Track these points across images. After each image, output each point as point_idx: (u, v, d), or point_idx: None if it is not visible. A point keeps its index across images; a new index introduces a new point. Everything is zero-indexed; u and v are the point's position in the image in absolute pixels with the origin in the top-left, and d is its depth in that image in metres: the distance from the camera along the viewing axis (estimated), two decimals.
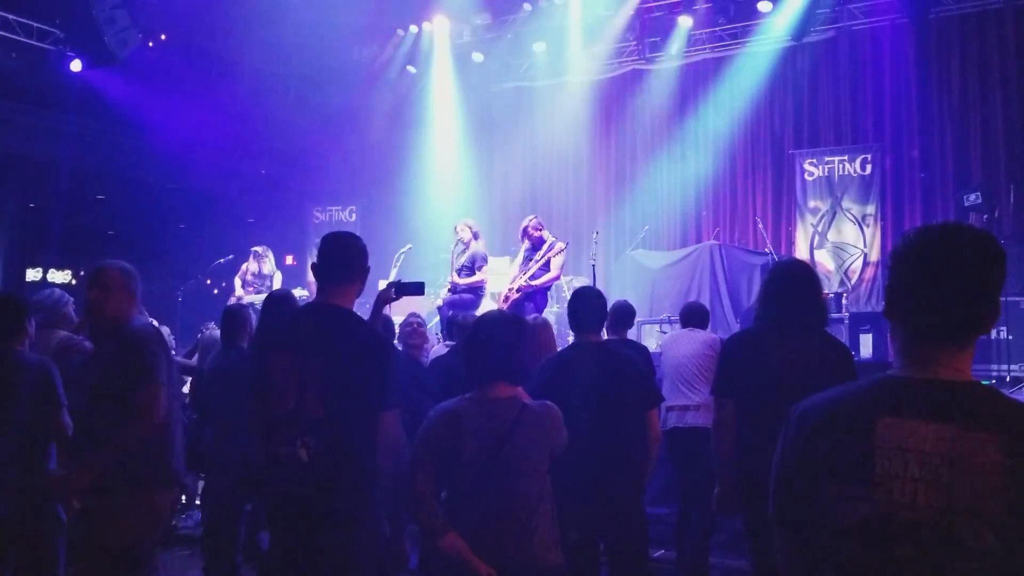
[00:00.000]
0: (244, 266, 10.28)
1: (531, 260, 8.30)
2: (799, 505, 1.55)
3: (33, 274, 13.49)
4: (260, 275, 10.05)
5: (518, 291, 8.22)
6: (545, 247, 8.26)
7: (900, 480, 1.42)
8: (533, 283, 8.19)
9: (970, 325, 1.52)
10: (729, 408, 3.62)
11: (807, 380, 1.91)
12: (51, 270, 13.65)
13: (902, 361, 1.55)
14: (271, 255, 10.37)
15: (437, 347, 6.50)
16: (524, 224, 8.49)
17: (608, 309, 5.76)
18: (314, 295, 3.21)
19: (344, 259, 3.12)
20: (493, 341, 2.96)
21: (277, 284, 9.89)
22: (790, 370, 3.32)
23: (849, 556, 1.45)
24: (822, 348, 3.48)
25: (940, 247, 1.52)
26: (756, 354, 3.55)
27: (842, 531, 1.46)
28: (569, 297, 4.45)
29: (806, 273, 3.68)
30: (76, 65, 11.47)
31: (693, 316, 6.14)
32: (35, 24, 11.47)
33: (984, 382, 7.74)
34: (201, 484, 6.27)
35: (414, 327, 5.30)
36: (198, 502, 7.07)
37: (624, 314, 5.67)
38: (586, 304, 4.10)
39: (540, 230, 8.40)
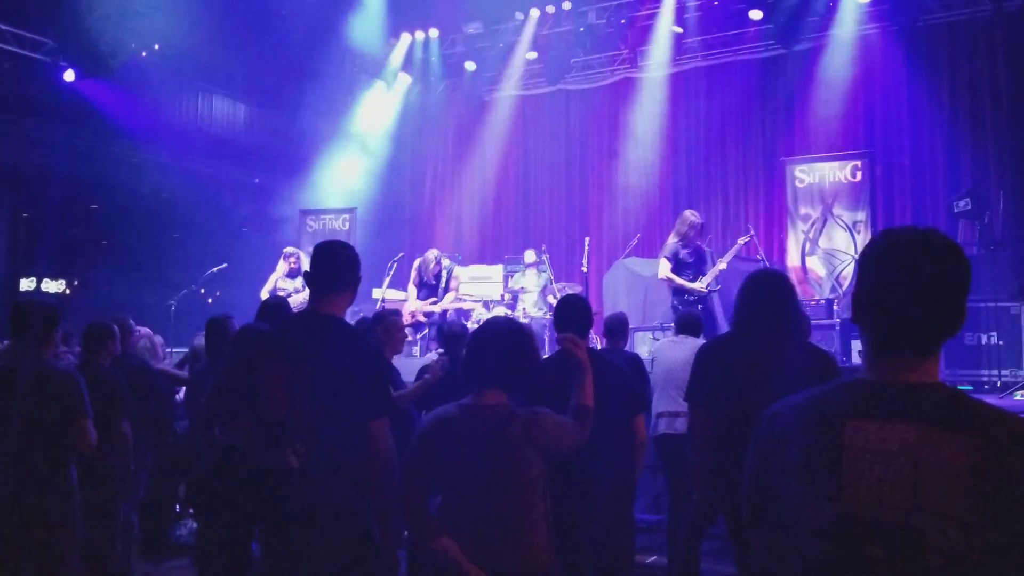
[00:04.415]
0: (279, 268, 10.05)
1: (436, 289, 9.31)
2: (770, 506, 1.57)
3: (27, 284, 13.47)
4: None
5: (425, 315, 9.22)
6: (444, 275, 9.32)
7: (867, 481, 1.44)
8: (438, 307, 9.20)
9: (935, 331, 1.54)
10: (702, 415, 3.64)
11: (774, 386, 1.92)
12: (44, 280, 13.63)
13: (869, 365, 1.57)
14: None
15: (430, 354, 6.54)
16: (429, 266, 9.35)
17: (604, 321, 5.88)
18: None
19: (335, 268, 3.14)
20: (487, 348, 2.98)
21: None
22: (756, 376, 3.31)
23: (819, 556, 1.47)
24: (794, 355, 3.47)
25: (904, 254, 1.54)
26: (724, 361, 3.59)
27: (812, 532, 1.48)
28: (555, 305, 4.49)
29: (777, 281, 3.73)
30: (69, 75, 11.47)
31: (686, 324, 6.24)
32: (28, 34, 11.49)
33: (966, 387, 7.71)
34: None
35: (392, 325, 5.14)
36: (191, 511, 7.07)
37: (619, 326, 5.81)
38: (571, 311, 4.13)
39: (439, 265, 9.36)
